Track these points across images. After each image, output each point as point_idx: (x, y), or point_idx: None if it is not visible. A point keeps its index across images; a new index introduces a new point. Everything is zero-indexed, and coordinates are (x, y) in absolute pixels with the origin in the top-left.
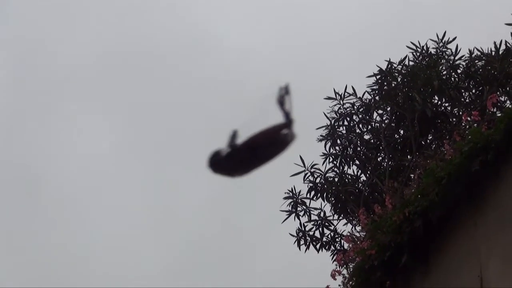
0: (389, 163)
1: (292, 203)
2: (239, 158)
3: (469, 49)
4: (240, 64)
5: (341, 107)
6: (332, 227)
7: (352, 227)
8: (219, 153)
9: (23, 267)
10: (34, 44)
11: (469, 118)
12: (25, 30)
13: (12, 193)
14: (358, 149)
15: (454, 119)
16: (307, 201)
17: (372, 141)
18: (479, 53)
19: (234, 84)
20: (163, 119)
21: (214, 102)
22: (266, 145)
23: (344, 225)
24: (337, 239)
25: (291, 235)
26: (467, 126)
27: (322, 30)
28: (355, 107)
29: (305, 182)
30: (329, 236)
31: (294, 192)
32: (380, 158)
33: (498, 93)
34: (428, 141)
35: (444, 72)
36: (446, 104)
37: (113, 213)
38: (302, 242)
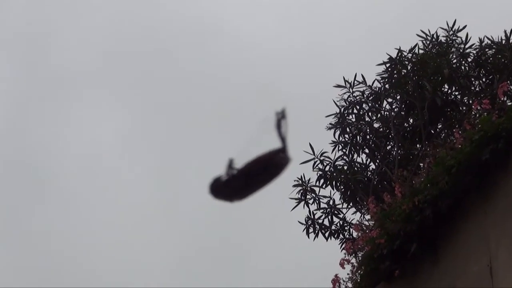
0: (399, 151)
1: (301, 191)
2: (236, 185)
3: (479, 38)
4: (247, 50)
5: (351, 95)
6: (341, 216)
7: (361, 216)
8: (219, 180)
9: (28, 260)
10: (39, 38)
11: (479, 107)
12: (30, 24)
13: (17, 186)
14: (368, 137)
15: (464, 108)
16: (316, 189)
17: (381, 129)
18: (489, 42)
19: (238, 74)
20: (169, 111)
21: (219, 93)
22: (262, 172)
23: (353, 213)
24: (346, 228)
25: (300, 223)
26: (477, 115)
27: (331, 18)
28: (365, 95)
29: (315, 170)
30: (338, 224)
31: (303, 180)
32: (390, 146)
33: (508, 81)
34: (438, 129)
35: (454, 61)
36: (456, 93)
37: (118, 206)
38: (311, 230)
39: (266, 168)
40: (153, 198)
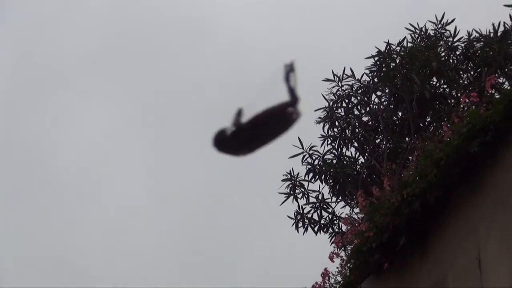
0: (387, 145)
1: (290, 185)
2: (244, 136)
3: (467, 31)
4: (239, 43)
5: (340, 89)
6: (330, 210)
7: (350, 209)
8: (224, 132)
9: (28, 247)
10: (35, 31)
11: (467, 100)
12: (26, 17)
13: (14, 177)
14: (357, 131)
15: (452, 101)
16: (305, 183)
17: (370, 123)
18: (477, 35)
19: (236, 64)
20: (166, 101)
21: (218, 82)
22: (271, 123)
23: (342, 207)
24: (335, 222)
25: (289, 217)
26: (466, 108)
27: (320, 11)
28: (354, 89)
29: (304, 164)
30: (327, 218)
31: (292, 174)
32: (379, 140)
33: (496, 74)
34: (426, 123)
35: (443, 54)
36: (445, 86)
37: (115, 196)
38: (300, 224)
39: (276, 120)
40: (151, 184)
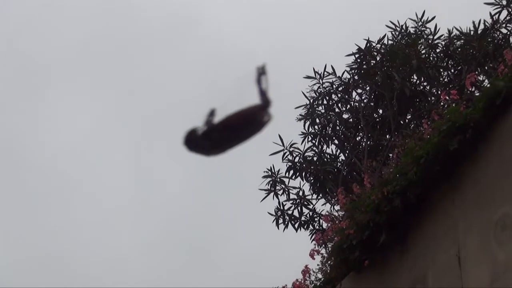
0: (368, 142)
1: (271, 182)
2: (215, 137)
3: (448, 29)
4: (221, 41)
5: (321, 86)
6: (310, 206)
7: (330, 207)
8: (195, 131)
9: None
10: (19, 25)
11: (447, 97)
12: (8, 15)
13: None
14: (337, 128)
15: (432, 98)
16: (286, 180)
17: (351, 120)
18: (458, 33)
19: (215, 62)
20: (147, 99)
21: (198, 80)
22: (242, 125)
23: (322, 204)
24: (315, 219)
25: (269, 214)
26: (446, 105)
27: (302, 9)
28: (334, 86)
29: (284, 161)
30: (308, 215)
31: (273, 171)
32: (359, 137)
33: (476, 72)
34: (406, 120)
35: (423, 52)
36: (425, 83)
37: (96, 193)
38: (280, 221)
39: (247, 123)
40: (131, 182)
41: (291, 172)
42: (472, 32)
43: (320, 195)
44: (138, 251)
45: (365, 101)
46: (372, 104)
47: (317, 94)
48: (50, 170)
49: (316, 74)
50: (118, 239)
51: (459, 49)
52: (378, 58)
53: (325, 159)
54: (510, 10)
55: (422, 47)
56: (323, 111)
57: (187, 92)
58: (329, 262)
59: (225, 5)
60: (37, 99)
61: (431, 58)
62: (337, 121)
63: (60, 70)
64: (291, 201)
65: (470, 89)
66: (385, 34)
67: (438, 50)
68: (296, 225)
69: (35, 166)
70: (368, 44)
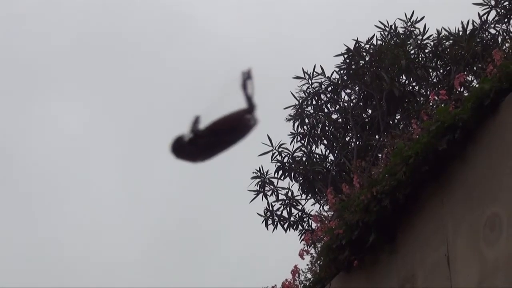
0: (357, 142)
1: (260, 183)
2: (201, 143)
3: (436, 29)
4: (211, 44)
5: (310, 86)
6: (300, 207)
7: (320, 207)
8: (181, 139)
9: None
10: (10, 25)
11: (436, 98)
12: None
13: None
14: (326, 128)
15: (421, 99)
16: (275, 181)
17: (340, 120)
18: (446, 33)
19: (204, 64)
20: (139, 100)
21: (189, 81)
22: (228, 131)
23: (312, 204)
24: (305, 219)
25: (258, 214)
26: (435, 106)
27: (292, 9)
28: (323, 87)
29: (273, 161)
30: (297, 215)
31: (262, 171)
32: (348, 137)
33: (465, 72)
34: (395, 120)
35: (412, 52)
36: (414, 84)
37: (88, 196)
38: (269, 222)
39: (233, 128)
40: (120, 192)
41: (280, 172)
42: (461, 33)
43: (309, 195)
44: (130, 251)
45: (354, 101)
46: (361, 104)
47: (306, 94)
48: (41, 172)
49: (305, 75)
50: (109, 240)
51: (448, 49)
52: (367, 59)
53: (314, 159)
54: (498, 10)
55: (411, 47)
56: (312, 111)
57: (178, 92)
58: (318, 262)
59: (214, 5)
60: (27, 101)
61: (420, 58)
62: (326, 121)
63: (49, 71)
64: (280, 202)
65: (459, 89)
66: (374, 34)
67: (427, 51)
68: (285, 226)
69: (26, 167)
70: (357, 44)
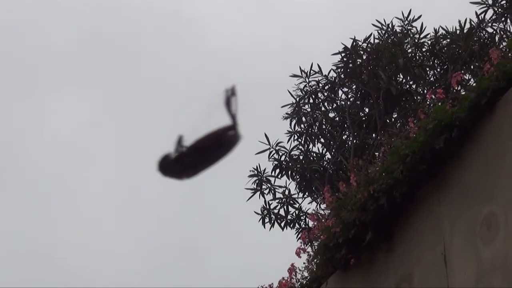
0: (354, 141)
1: (257, 181)
2: (187, 161)
3: (434, 28)
4: (206, 40)
5: (307, 85)
6: (297, 205)
7: (317, 205)
8: (168, 157)
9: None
10: (9, 23)
11: (433, 96)
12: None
13: None
14: (323, 127)
15: (418, 97)
16: (272, 179)
17: (337, 119)
18: (444, 32)
19: (198, 64)
20: (138, 100)
21: (189, 81)
22: (212, 147)
23: (309, 203)
24: (302, 217)
25: (256, 213)
26: (432, 104)
27: (290, 8)
28: (321, 85)
29: (270, 160)
30: (294, 214)
31: (259, 170)
32: (345, 136)
33: (462, 71)
34: (392, 119)
35: (409, 50)
36: (411, 82)
37: (88, 196)
38: (266, 220)
39: (216, 145)
40: (116, 191)
41: (277, 171)
42: (458, 31)
43: (306, 193)
44: (131, 252)
45: (351, 99)
46: (358, 102)
47: (304, 92)
48: (41, 172)
49: (303, 73)
50: (109, 240)
51: (445, 48)
52: (364, 57)
53: (311, 158)
54: (495, 9)
55: (408, 46)
56: (309, 109)
57: (178, 93)
58: (315, 260)
59: (211, 5)
60: (27, 101)
61: (417, 57)
62: (323, 120)
63: (49, 71)
64: (277, 200)
65: (456, 88)
66: (371, 33)
67: (424, 49)
68: (282, 224)
69: (26, 168)
70: (355, 43)
